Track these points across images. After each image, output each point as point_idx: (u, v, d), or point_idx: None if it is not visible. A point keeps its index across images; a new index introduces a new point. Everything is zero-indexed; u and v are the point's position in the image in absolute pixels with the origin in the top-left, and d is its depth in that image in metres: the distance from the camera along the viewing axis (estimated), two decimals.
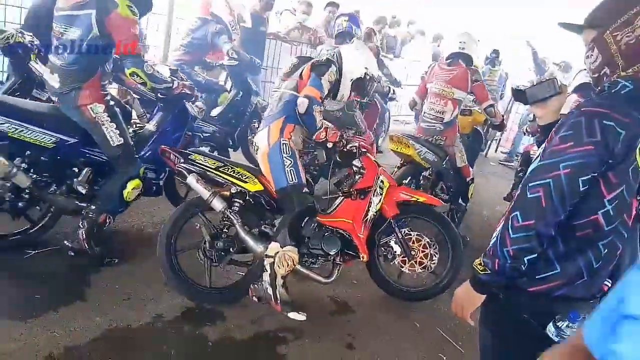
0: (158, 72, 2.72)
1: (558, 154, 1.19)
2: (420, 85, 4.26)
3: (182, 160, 2.55)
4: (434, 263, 2.96)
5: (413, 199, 2.90)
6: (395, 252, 2.92)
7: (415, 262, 2.92)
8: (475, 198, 4.59)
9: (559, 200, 1.17)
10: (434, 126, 3.92)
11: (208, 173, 2.55)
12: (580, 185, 1.16)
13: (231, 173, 2.55)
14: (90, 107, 2.57)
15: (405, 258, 2.91)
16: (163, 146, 2.64)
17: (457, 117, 3.99)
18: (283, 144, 2.51)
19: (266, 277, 2.42)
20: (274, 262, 2.39)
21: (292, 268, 2.41)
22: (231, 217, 2.51)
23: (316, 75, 2.56)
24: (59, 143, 2.60)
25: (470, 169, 4.14)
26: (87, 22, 2.45)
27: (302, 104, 2.47)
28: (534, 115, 4.48)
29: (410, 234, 2.95)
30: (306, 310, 2.65)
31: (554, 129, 1.28)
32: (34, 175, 2.60)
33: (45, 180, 2.68)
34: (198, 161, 2.55)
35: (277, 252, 2.40)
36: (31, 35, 2.95)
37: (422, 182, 3.94)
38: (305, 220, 2.56)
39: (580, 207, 1.21)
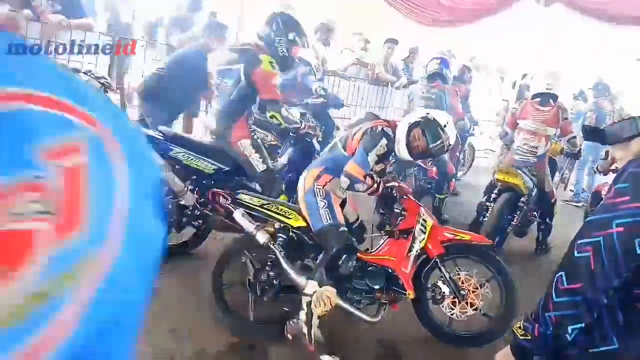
0: (291, 114, 3.45)
1: (611, 208, 1.04)
2: (511, 120, 4.72)
3: (229, 201, 2.66)
4: (487, 303, 2.76)
5: (457, 237, 2.77)
6: (443, 292, 2.74)
7: (467, 303, 2.73)
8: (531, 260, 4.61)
9: (610, 264, 1.00)
10: (528, 159, 4.41)
11: (254, 210, 2.63)
12: (637, 248, 0.99)
13: (275, 210, 2.64)
14: (240, 143, 3.28)
15: (455, 299, 2.73)
16: (214, 189, 2.80)
17: (547, 151, 4.48)
18: (317, 188, 2.59)
19: (302, 315, 2.40)
20: (310, 302, 2.38)
21: (328, 308, 2.39)
22: (274, 248, 2.52)
23: (364, 150, 2.57)
24: (217, 170, 3.16)
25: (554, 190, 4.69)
26: (236, 75, 3.22)
27: (344, 183, 2.57)
28: (605, 152, 4.34)
29: (459, 274, 2.79)
30: (351, 352, 2.57)
31: (614, 179, 1.13)
32: (196, 196, 3.11)
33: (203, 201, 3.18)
34: (244, 200, 2.66)
35: (315, 291, 2.39)
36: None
37: (521, 206, 4.35)
38: (343, 258, 2.53)
39: None
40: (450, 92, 5.21)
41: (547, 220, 4.64)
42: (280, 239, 2.61)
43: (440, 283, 2.78)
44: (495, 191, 4.40)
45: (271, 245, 2.51)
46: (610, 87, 7.57)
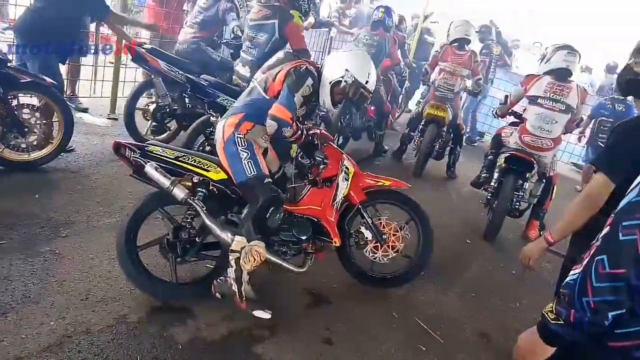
0: None
1: None
2: (432, 61, 5.76)
3: (138, 154, 2.35)
4: (406, 244, 2.91)
5: (379, 184, 2.85)
6: (366, 237, 2.84)
7: (388, 246, 2.86)
8: (442, 182, 5.65)
9: None
10: (446, 94, 5.44)
11: (167, 164, 2.36)
12: None
13: (192, 162, 2.41)
14: None
15: (377, 243, 2.84)
16: (117, 140, 2.39)
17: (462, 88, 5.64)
18: (238, 137, 2.39)
19: (231, 272, 2.28)
20: (239, 258, 2.26)
21: (258, 263, 2.29)
22: (195, 204, 2.32)
23: (289, 91, 2.38)
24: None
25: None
26: (271, 30, 3.73)
27: (271, 127, 2.37)
28: (505, 97, 4.65)
29: (380, 219, 2.90)
30: (280, 303, 2.56)
31: None
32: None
33: None
34: (155, 152, 2.37)
35: (243, 247, 2.26)
36: None
37: (443, 135, 5.46)
38: (270, 211, 2.40)
39: None
40: (390, 40, 5.58)
41: (458, 147, 5.77)
42: (199, 193, 2.39)
43: (363, 229, 2.88)
44: (422, 123, 5.48)
45: (191, 201, 2.31)
46: None
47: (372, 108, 5.58)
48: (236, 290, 2.27)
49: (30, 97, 3.48)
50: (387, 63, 5.83)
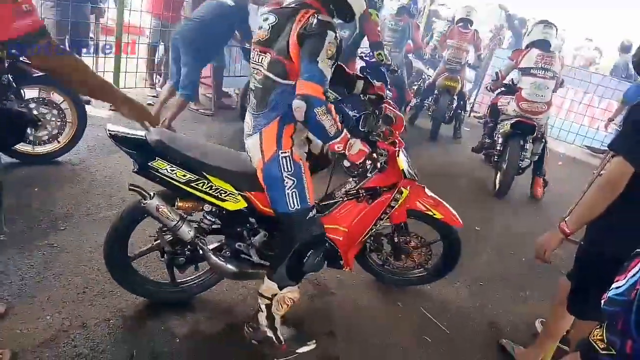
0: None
1: None
2: (442, 39, 7.09)
3: (137, 168, 1.92)
4: (427, 263, 2.70)
5: (430, 213, 2.43)
6: (384, 250, 2.64)
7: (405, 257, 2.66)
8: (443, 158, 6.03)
9: None
10: (454, 67, 6.63)
11: (174, 187, 1.95)
12: None
13: (207, 190, 1.96)
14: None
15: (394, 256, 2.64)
16: (111, 131, 1.89)
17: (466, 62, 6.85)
18: (283, 157, 1.87)
19: (262, 319, 2.05)
20: (270, 305, 2.03)
21: (291, 307, 2.06)
22: (201, 246, 2.08)
23: (309, 60, 1.70)
24: None
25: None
26: (353, 26, 4.33)
27: (299, 109, 1.70)
28: (496, 73, 5.18)
29: (408, 236, 2.60)
30: (312, 321, 2.43)
31: None
32: None
33: None
34: (162, 171, 1.90)
35: (275, 294, 2.01)
36: None
37: (454, 102, 6.57)
38: (309, 254, 2.04)
39: None
40: (413, 25, 6.50)
41: (462, 112, 6.94)
42: (206, 222, 2.11)
43: (384, 241, 2.65)
44: (436, 92, 6.63)
45: (197, 242, 2.06)
46: None
47: (393, 89, 5.54)
48: (272, 336, 2.06)
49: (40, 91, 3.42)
50: (409, 47, 6.67)
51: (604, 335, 0.96)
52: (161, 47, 5.93)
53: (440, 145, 6.58)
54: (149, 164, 1.87)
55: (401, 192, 2.30)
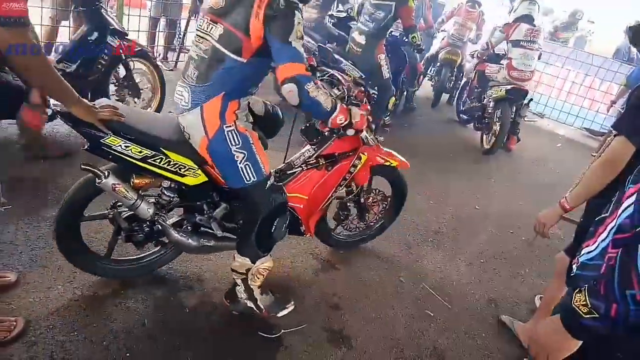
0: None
1: None
2: (449, 14, 7.36)
3: (89, 146, 1.80)
4: (380, 218, 2.88)
5: (387, 163, 2.57)
6: (351, 215, 2.74)
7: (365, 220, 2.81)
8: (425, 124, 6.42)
9: None
10: (456, 42, 7.03)
11: (130, 164, 1.84)
12: None
13: (165, 165, 1.87)
14: (379, 56, 4.58)
15: (358, 219, 2.79)
16: (57, 109, 1.77)
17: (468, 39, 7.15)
18: (228, 131, 1.81)
19: (241, 292, 2.09)
20: (246, 279, 2.05)
21: (266, 276, 2.09)
22: (162, 224, 2.02)
23: (283, 41, 1.67)
24: None
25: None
26: (388, 9, 4.46)
27: (292, 92, 1.71)
28: (486, 43, 5.69)
29: (372, 195, 2.74)
30: (287, 269, 2.55)
31: None
32: None
33: None
34: (116, 147, 1.78)
35: (249, 269, 2.02)
36: None
37: (455, 73, 7.00)
38: (276, 222, 2.02)
39: None
40: (427, 4, 6.94)
41: (459, 81, 7.13)
42: (165, 198, 2.02)
43: (352, 206, 2.73)
44: (438, 65, 7.04)
45: (160, 221, 2.01)
46: None
47: (407, 66, 5.98)
48: (253, 306, 2.10)
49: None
50: (422, 26, 6.84)
51: (587, 300, 0.96)
52: (162, 21, 5.85)
53: (440, 112, 7.23)
54: (101, 140, 1.76)
55: (360, 158, 2.40)
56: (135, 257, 2.27)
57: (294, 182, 2.29)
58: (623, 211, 1.00)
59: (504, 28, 5.47)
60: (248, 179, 1.85)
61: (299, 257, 2.72)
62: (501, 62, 5.62)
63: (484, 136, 5.66)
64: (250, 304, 2.11)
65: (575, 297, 0.99)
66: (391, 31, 5.00)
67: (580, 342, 1.03)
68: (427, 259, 3.01)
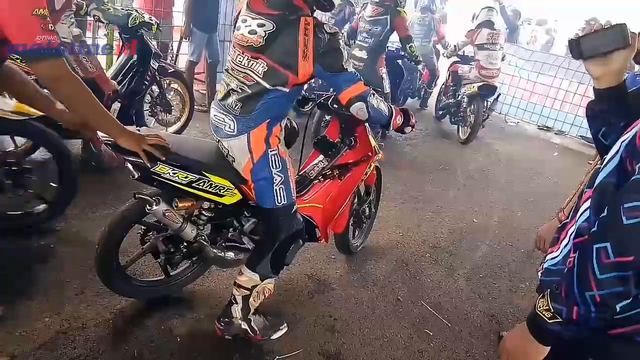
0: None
1: None
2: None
3: (139, 175, 1.85)
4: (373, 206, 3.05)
5: (379, 157, 2.67)
6: (367, 215, 2.92)
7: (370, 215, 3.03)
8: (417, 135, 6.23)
9: None
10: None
11: (177, 190, 1.91)
12: None
13: (207, 188, 1.93)
14: (380, 69, 4.85)
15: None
16: (118, 154, 1.81)
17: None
18: (272, 155, 1.90)
19: (236, 311, 2.06)
20: (248, 296, 2.04)
21: (264, 299, 2.11)
22: (202, 243, 2.08)
23: (340, 71, 1.80)
24: None
25: None
26: (384, 23, 4.75)
27: (361, 110, 1.89)
28: (454, 46, 6.47)
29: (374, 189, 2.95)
30: (282, 291, 2.49)
31: None
32: None
33: None
34: (165, 175, 1.84)
35: (255, 285, 2.03)
36: (149, 15, 3.76)
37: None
38: (291, 247, 2.09)
39: None
40: (437, 20, 7.31)
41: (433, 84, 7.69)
42: (204, 217, 2.11)
43: (366, 208, 2.87)
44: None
45: (199, 240, 2.07)
46: None
47: (426, 72, 7.20)
48: (247, 327, 2.08)
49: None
50: (436, 40, 7.43)
51: (549, 304, 0.96)
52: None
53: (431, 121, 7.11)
54: (151, 169, 1.81)
55: (370, 166, 2.54)
56: (158, 278, 2.31)
57: (310, 192, 2.35)
58: (580, 215, 1.01)
59: (467, 34, 6.15)
60: (279, 201, 1.95)
61: (294, 278, 2.66)
62: (471, 63, 6.36)
63: (460, 129, 6.35)
64: (244, 325, 2.08)
65: (538, 303, 0.99)
66: (388, 46, 5.20)
67: (548, 348, 1.01)
68: (425, 275, 2.96)
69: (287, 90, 1.83)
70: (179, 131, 4.24)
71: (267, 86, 1.81)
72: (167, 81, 4.16)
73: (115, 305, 2.19)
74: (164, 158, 1.79)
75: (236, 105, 1.88)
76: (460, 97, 6.23)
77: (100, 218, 2.80)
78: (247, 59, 1.83)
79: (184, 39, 5.38)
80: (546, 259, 1.09)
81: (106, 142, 1.78)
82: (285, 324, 2.20)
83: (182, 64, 5.45)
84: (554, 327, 0.96)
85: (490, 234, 3.73)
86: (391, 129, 2.13)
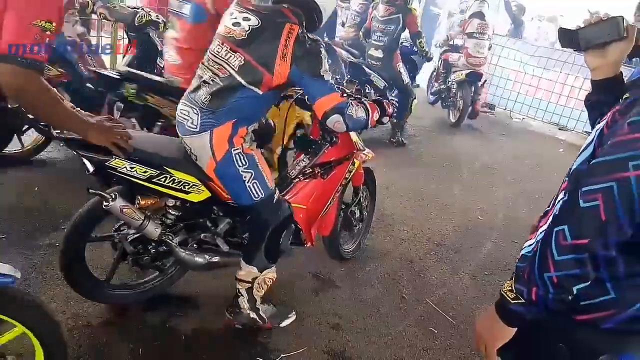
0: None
1: (627, 147, 0.84)
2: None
3: (94, 170, 1.80)
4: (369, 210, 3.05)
5: (367, 158, 2.61)
6: (357, 217, 2.87)
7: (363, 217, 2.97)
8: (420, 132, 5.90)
9: (625, 212, 0.83)
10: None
11: (135, 185, 1.85)
12: None
13: (169, 184, 1.87)
14: (398, 64, 5.25)
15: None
16: (58, 135, 1.77)
17: None
18: (236, 154, 1.87)
19: (243, 303, 2.08)
20: (251, 288, 2.06)
21: (270, 287, 2.13)
22: (169, 242, 2.00)
23: (315, 78, 1.80)
24: None
25: None
26: (397, 22, 5.08)
27: (338, 122, 1.86)
28: (447, 36, 7.11)
29: (366, 190, 2.92)
30: (286, 288, 2.49)
31: (617, 108, 0.94)
32: None
33: None
34: (121, 169, 1.77)
35: (256, 277, 2.05)
36: (156, 14, 3.73)
37: None
38: (283, 235, 2.10)
39: None
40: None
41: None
42: (170, 217, 2.02)
43: (356, 210, 2.81)
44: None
45: (165, 239, 1.98)
46: None
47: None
48: (256, 317, 2.10)
49: None
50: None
51: (513, 286, 0.99)
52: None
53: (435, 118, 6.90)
54: (106, 164, 1.75)
55: (354, 163, 2.47)
56: (137, 282, 2.23)
57: (292, 192, 2.28)
58: (558, 202, 1.05)
59: (461, 24, 6.84)
60: (256, 195, 1.92)
61: (298, 276, 2.66)
62: (460, 52, 6.84)
63: (450, 112, 6.83)
64: (252, 314, 2.10)
65: (505, 285, 1.03)
66: (402, 42, 5.54)
67: (514, 330, 1.03)
68: (430, 273, 2.95)
69: (261, 92, 1.82)
70: None
71: (241, 81, 1.79)
72: None
73: (122, 305, 2.19)
74: (132, 150, 1.75)
75: (205, 98, 1.85)
76: (450, 83, 6.73)
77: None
78: (226, 50, 1.83)
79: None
80: (524, 246, 1.12)
81: (65, 139, 1.72)
82: (294, 312, 2.23)
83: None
84: (516, 307, 0.98)
85: (496, 231, 3.71)
86: (370, 126, 2.09)
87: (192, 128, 1.87)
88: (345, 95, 1.89)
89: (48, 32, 1.39)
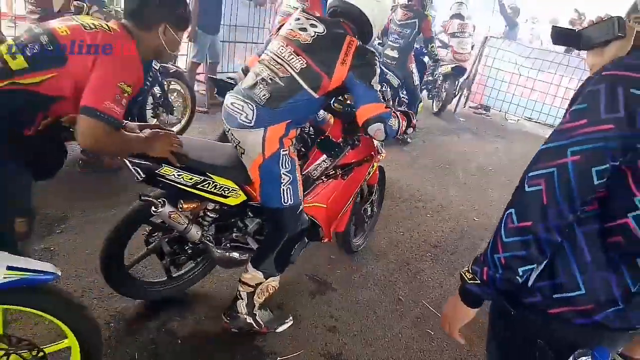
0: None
1: (566, 134, 0.89)
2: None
3: (145, 177, 1.85)
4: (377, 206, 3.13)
5: (382, 157, 2.69)
6: (370, 214, 2.95)
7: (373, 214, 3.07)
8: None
9: (564, 197, 0.88)
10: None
11: (182, 191, 1.92)
12: (595, 178, 0.87)
13: (212, 189, 1.94)
14: (410, 66, 5.64)
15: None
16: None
17: None
18: (283, 155, 1.92)
19: (241, 307, 2.09)
20: (253, 293, 2.07)
21: (271, 294, 2.13)
22: (207, 243, 2.08)
23: (367, 86, 1.89)
24: None
25: None
26: (413, 26, 5.47)
27: (379, 130, 1.93)
28: (434, 34, 6.59)
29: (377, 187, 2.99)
30: (283, 291, 2.48)
31: (570, 101, 0.99)
32: None
33: None
34: (169, 177, 1.86)
35: (260, 284, 2.06)
36: None
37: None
38: (296, 246, 2.14)
39: (609, 205, 0.93)
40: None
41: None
42: (208, 219, 2.11)
43: (368, 207, 2.90)
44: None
45: (205, 241, 2.06)
46: None
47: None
48: (252, 322, 2.11)
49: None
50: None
51: (470, 267, 1.04)
52: None
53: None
54: (156, 171, 1.83)
55: (373, 166, 2.59)
56: (170, 276, 2.28)
57: (314, 192, 2.33)
58: None
59: (442, 25, 7.68)
60: (285, 201, 1.95)
61: (294, 279, 2.66)
62: (447, 48, 7.53)
63: (434, 102, 7.57)
64: (249, 319, 2.10)
65: (465, 267, 1.08)
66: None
67: (475, 311, 1.08)
68: (427, 275, 2.95)
69: (317, 96, 1.90)
70: (180, 132, 4.23)
71: (301, 83, 1.87)
72: (169, 82, 4.17)
73: (116, 308, 2.19)
74: (187, 160, 1.84)
75: (263, 95, 1.90)
76: (437, 75, 7.30)
77: (101, 220, 2.79)
78: (290, 52, 1.92)
79: (189, 41, 5.38)
80: None
81: (131, 162, 1.81)
82: (291, 318, 2.23)
83: (179, 64, 5.43)
84: (472, 287, 1.04)
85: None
86: (399, 135, 2.14)
87: (246, 122, 1.91)
88: (388, 107, 1.96)
89: (126, 94, 1.58)
